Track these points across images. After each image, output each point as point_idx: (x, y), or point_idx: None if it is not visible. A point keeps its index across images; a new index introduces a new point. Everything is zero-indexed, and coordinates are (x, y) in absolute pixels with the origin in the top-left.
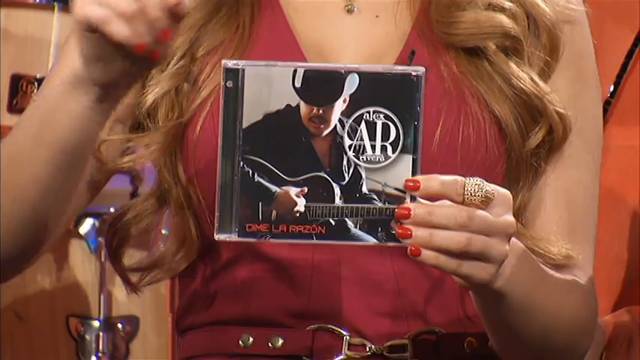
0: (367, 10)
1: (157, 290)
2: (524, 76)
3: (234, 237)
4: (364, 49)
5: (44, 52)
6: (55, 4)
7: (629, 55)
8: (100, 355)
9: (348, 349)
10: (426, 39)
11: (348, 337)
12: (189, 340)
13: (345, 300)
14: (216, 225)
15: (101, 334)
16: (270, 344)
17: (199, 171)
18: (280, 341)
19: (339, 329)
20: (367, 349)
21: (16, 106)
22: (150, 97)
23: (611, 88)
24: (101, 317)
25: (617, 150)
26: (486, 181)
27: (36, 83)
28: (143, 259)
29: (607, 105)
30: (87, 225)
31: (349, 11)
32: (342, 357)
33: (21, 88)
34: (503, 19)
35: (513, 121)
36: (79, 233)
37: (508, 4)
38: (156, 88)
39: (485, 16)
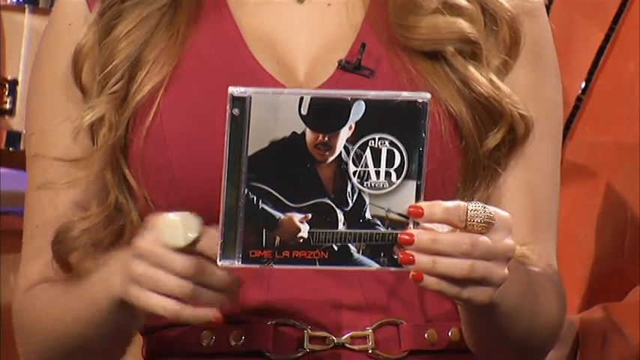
0: None
1: None
2: (482, 80)
3: (237, 263)
4: (316, 40)
5: (15, 54)
6: (26, 5)
7: (600, 52)
8: None
9: (310, 342)
10: (379, 30)
11: (309, 331)
12: (151, 341)
13: (305, 294)
14: (219, 251)
15: None
16: (232, 341)
17: (150, 178)
18: (241, 337)
19: (299, 323)
20: (328, 342)
21: None
22: (86, 120)
23: (583, 85)
24: None
25: (589, 146)
26: (443, 178)
27: (7, 85)
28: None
29: (578, 102)
30: None
31: (300, 1)
32: (303, 350)
33: None
34: (463, 24)
35: (470, 120)
36: None
37: (464, 3)
38: (93, 112)
39: (444, 22)
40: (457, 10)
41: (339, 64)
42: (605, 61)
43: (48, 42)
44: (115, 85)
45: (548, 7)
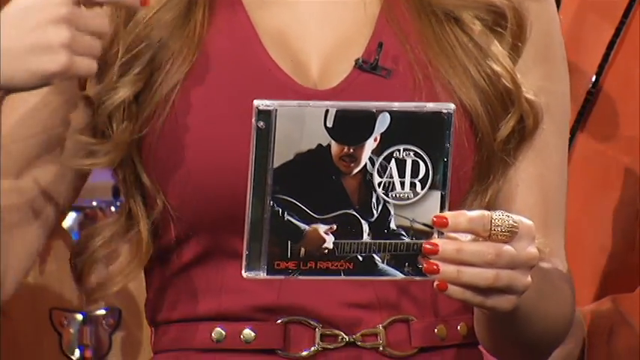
0: None
1: (140, 283)
2: (501, 52)
3: (262, 274)
4: (330, 36)
5: None
6: None
7: (610, 47)
8: (83, 347)
9: (321, 340)
10: (395, 24)
11: (320, 329)
12: (161, 334)
13: (316, 292)
14: (244, 263)
15: (84, 327)
16: (242, 338)
17: (164, 177)
18: (252, 335)
19: (310, 321)
20: (340, 340)
21: None
22: (111, 102)
23: (593, 79)
24: (84, 310)
25: (601, 140)
26: (457, 176)
27: None
28: (99, 277)
29: (589, 95)
30: (70, 219)
31: None
32: (314, 348)
33: None
34: None
35: (484, 113)
36: (62, 227)
37: None
38: (117, 94)
39: None
40: None
41: (356, 64)
42: (616, 55)
43: None
44: (139, 67)
45: (558, 2)
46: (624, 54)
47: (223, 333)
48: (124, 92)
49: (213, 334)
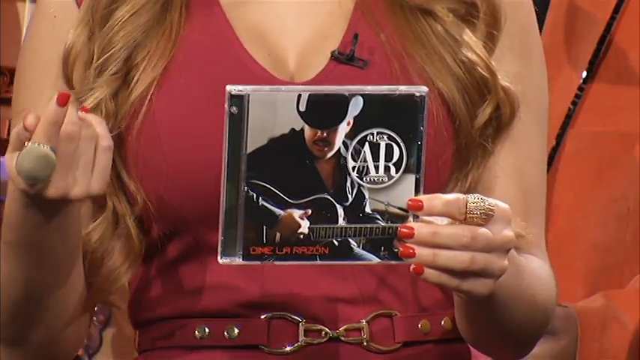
0: None
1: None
2: (475, 42)
3: (237, 260)
4: (307, 30)
5: (16, 43)
6: None
7: (602, 41)
8: None
9: (305, 335)
10: (370, 16)
11: (303, 324)
12: (145, 333)
13: (300, 287)
14: (219, 249)
15: None
16: (226, 334)
17: (144, 174)
18: (236, 331)
19: (293, 316)
20: (323, 334)
21: None
22: (86, 105)
23: (584, 74)
24: None
25: (592, 136)
26: (437, 165)
27: (8, 74)
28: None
29: (580, 91)
30: None
31: None
32: (298, 343)
33: None
34: None
35: (461, 101)
36: None
37: None
38: (93, 96)
39: None
40: None
41: (332, 55)
42: (607, 50)
43: (32, 34)
44: (114, 67)
45: None
46: (615, 49)
47: (207, 330)
48: (100, 92)
49: (196, 332)
